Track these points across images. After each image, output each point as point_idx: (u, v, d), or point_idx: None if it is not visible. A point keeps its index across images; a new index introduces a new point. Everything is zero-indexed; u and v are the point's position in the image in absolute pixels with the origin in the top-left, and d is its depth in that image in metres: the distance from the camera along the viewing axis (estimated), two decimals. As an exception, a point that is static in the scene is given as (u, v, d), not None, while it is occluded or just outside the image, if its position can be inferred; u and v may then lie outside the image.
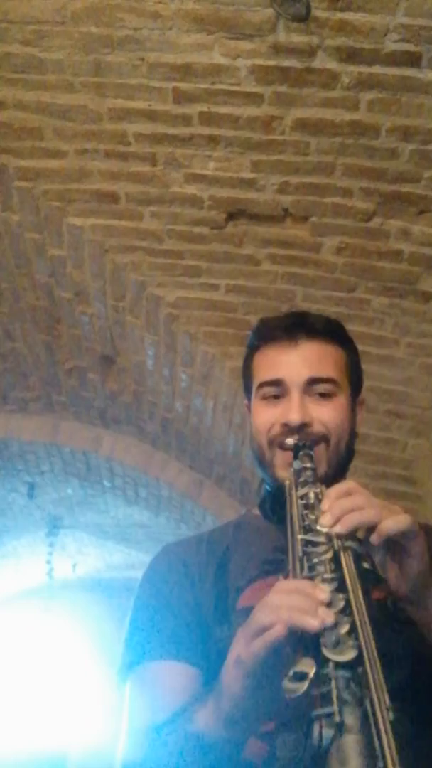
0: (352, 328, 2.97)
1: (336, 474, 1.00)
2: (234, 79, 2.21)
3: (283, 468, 0.98)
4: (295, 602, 0.68)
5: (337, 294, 2.68)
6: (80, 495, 4.92)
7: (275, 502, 1.01)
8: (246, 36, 2.12)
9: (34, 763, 6.53)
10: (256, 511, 1.11)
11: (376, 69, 2.12)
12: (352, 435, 1.04)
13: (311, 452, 0.95)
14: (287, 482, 0.91)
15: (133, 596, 1.03)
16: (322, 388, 1.01)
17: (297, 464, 0.92)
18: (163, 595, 0.99)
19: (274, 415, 1.00)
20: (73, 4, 2.13)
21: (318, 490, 0.86)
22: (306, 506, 0.84)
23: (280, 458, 0.99)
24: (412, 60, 2.08)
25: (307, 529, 0.80)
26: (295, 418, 0.97)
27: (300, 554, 0.76)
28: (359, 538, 0.77)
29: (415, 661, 0.84)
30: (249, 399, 1.09)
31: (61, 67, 2.27)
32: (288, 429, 0.98)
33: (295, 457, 0.94)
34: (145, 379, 3.29)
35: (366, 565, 0.77)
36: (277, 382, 1.02)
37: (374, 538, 0.75)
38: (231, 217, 2.58)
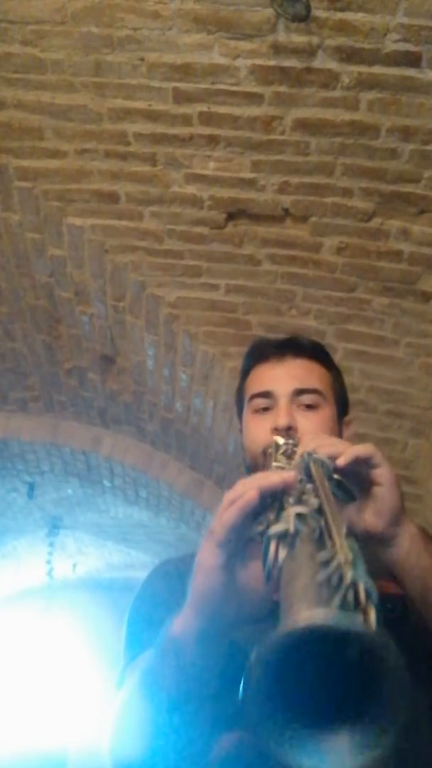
0: (352, 328, 3.00)
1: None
2: (234, 79, 2.21)
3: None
4: (263, 475, 0.74)
5: (337, 294, 2.68)
6: (80, 495, 4.92)
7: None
8: (246, 36, 2.12)
9: (34, 763, 6.53)
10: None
11: (376, 69, 2.12)
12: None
13: (295, 441, 0.99)
14: (269, 450, 0.96)
15: (129, 607, 1.03)
16: (308, 399, 1.06)
17: (280, 440, 0.98)
18: (159, 602, 0.99)
19: (265, 426, 1.05)
20: (73, 4, 2.13)
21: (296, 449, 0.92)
22: (285, 456, 0.90)
23: (271, 457, 1.01)
24: (412, 60, 2.08)
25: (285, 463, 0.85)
26: (282, 422, 1.02)
27: (274, 464, 0.83)
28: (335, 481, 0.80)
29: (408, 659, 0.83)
30: (240, 421, 1.15)
31: (61, 67, 2.27)
32: (275, 432, 1.02)
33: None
34: (145, 379, 3.30)
35: (336, 477, 0.80)
36: (266, 394, 1.08)
37: (340, 461, 0.80)
38: (231, 217, 2.58)
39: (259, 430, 1.06)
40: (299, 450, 0.85)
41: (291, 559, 0.60)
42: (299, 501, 0.67)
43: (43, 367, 3.57)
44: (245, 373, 1.17)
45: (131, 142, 2.42)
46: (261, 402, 1.09)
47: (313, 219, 2.52)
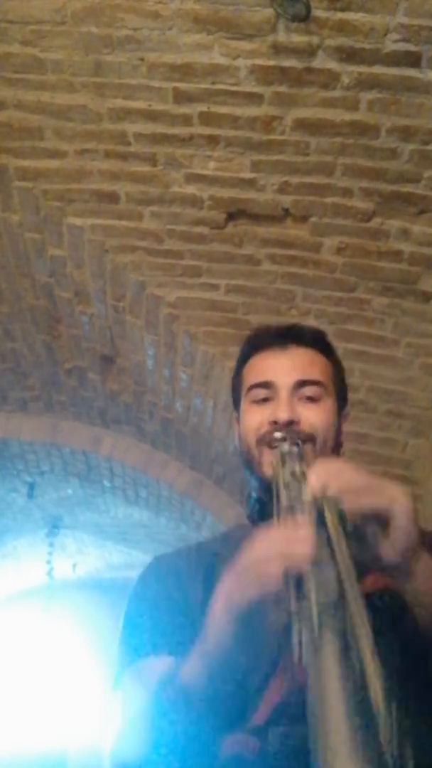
0: (352, 328, 3.00)
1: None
2: (234, 79, 2.21)
3: (270, 466, 0.97)
4: (283, 541, 0.69)
5: (337, 294, 2.68)
6: (80, 495, 4.92)
7: (263, 506, 1.02)
8: (246, 36, 2.12)
9: (34, 763, 6.53)
10: (246, 522, 1.12)
11: (376, 69, 2.12)
12: (338, 441, 1.06)
13: (298, 441, 0.96)
14: (273, 461, 0.92)
15: (125, 606, 1.03)
16: (310, 391, 1.03)
17: (284, 447, 0.94)
18: (155, 602, 0.99)
19: (263, 416, 1.02)
20: (73, 4, 2.13)
21: (304, 467, 0.87)
22: (293, 476, 0.85)
23: (268, 457, 0.99)
24: (412, 60, 2.08)
25: (293, 496, 0.80)
26: (283, 415, 0.99)
27: (284, 505, 0.78)
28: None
29: (405, 656, 0.83)
30: (238, 411, 1.10)
31: (61, 67, 2.27)
32: (276, 426, 0.99)
33: (283, 441, 0.96)
34: (145, 379, 3.30)
35: (350, 527, 0.76)
36: (266, 384, 1.04)
37: (350, 505, 0.74)
38: (231, 217, 2.58)
39: (256, 418, 1.03)
40: (310, 478, 0.78)
41: (318, 670, 0.58)
42: (320, 587, 0.64)
43: (43, 367, 3.57)
44: (243, 361, 1.12)
45: (131, 142, 2.42)
46: (260, 392, 1.04)
47: (313, 219, 2.52)
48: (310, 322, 2.74)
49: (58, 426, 4.02)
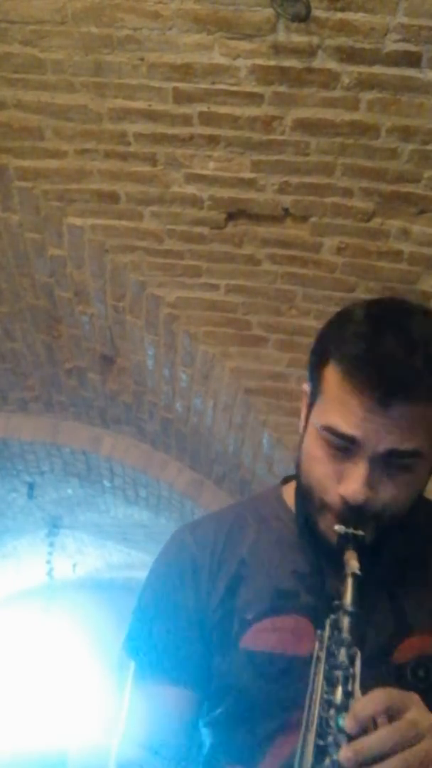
0: (352, 328, 2.96)
1: (388, 537, 0.87)
2: (234, 79, 2.21)
3: (327, 527, 0.87)
4: None
5: (337, 294, 2.68)
6: (80, 495, 4.92)
7: (308, 534, 0.92)
8: (246, 36, 2.12)
9: (34, 763, 6.53)
10: (290, 496, 0.98)
11: (376, 69, 2.12)
12: (421, 494, 0.90)
13: (358, 572, 0.81)
14: (315, 649, 0.80)
15: (142, 586, 1.00)
16: (401, 462, 0.83)
17: (336, 602, 0.80)
18: (168, 607, 0.95)
19: (334, 474, 0.84)
20: (73, 4, 2.13)
21: (350, 669, 0.76)
22: (329, 703, 0.75)
23: (328, 520, 0.87)
24: (412, 60, 2.08)
25: (322, 752, 0.73)
26: (356, 498, 0.82)
27: (315, 724, 0.72)
28: None
29: None
30: (310, 397, 0.90)
31: (61, 67, 2.27)
32: (344, 504, 0.83)
33: (339, 549, 0.83)
34: (145, 379, 3.30)
35: None
36: (349, 439, 0.82)
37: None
38: (231, 217, 2.58)
39: (326, 477, 0.85)
40: (348, 717, 0.71)
41: None
42: None
43: (43, 367, 3.57)
44: (325, 358, 0.87)
45: (131, 142, 2.42)
46: (339, 443, 0.83)
47: (313, 219, 2.52)
48: (310, 322, 2.74)
49: (58, 426, 4.02)
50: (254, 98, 2.24)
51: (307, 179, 2.41)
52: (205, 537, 0.98)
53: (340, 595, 0.79)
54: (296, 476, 0.93)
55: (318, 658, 0.79)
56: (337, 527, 0.83)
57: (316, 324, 2.76)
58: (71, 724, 7.30)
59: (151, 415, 3.57)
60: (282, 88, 2.21)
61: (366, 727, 0.70)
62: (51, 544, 5.96)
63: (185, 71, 2.22)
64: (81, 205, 2.62)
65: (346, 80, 2.16)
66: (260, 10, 2.05)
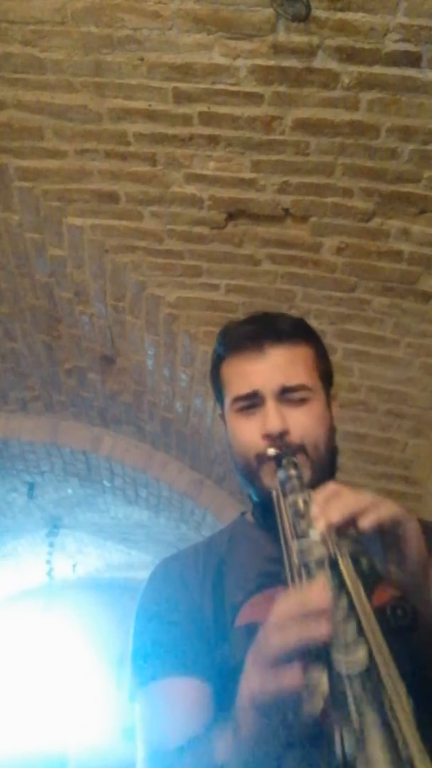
0: (352, 328, 3.00)
1: (322, 477, 0.99)
2: (234, 79, 2.21)
3: (270, 477, 0.97)
4: (300, 611, 0.66)
5: (337, 294, 2.68)
6: (80, 495, 4.92)
7: (265, 511, 1.01)
8: (246, 36, 2.12)
9: (34, 763, 6.53)
10: (250, 517, 1.11)
11: (376, 69, 2.12)
12: (331, 434, 1.05)
13: (294, 458, 0.95)
14: (274, 492, 0.90)
15: (134, 612, 1.02)
16: (295, 396, 1.01)
17: (282, 474, 0.92)
18: (164, 611, 0.98)
19: (254, 428, 1.00)
20: (73, 4, 2.13)
21: (306, 496, 0.85)
22: (296, 514, 0.83)
23: (266, 469, 0.99)
24: (412, 60, 2.08)
25: (301, 537, 0.79)
26: (274, 427, 0.98)
27: (297, 563, 0.75)
28: (355, 537, 0.77)
29: (418, 671, 0.82)
30: (221, 408, 1.10)
31: (61, 67, 2.27)
32: (269, 439, 0.98)
33: (279, 465, 0.95)
34: (145, 379, 3.30)
35: (364, 562, 0.77)
36: (251, 395, 1.02)
37: (365, 524, 0.75)
38: (231, 217, 2.58)
39: (247, 433, 1.01)
40: (313, 510, 0.77)
41: (363, 754, 0.57)
42: (346, 649, 0.63)
43: (43, 367, 3.57)
44: (220, 359, 1.09)
45: (131, 142, 2.42)
46: (246, 403, 1.03)
47: (313, 219, 2.52)
48: (310, 322, 2.73)
49: (58, 426, 4.02)
50: (254, 98, 2.24)
51: (307, 179, 2.41)
52: (186, 556, 1.07)
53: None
54: (234, 468, 1.06)
55: (278, 503, 0.87)
56: (270, 450, 0.97)
57: (316, 324, 2.76)
58: (71, 724, 7.30)
59: (151, 415, 3.57)
60: (282, 88, 2.21)
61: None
62: (51, 544, 5.96)
63: (185, 71, 2.22)
64: (81, 205, 2.62)
65: (346, 80, 2.16)
66: (260, 10, 2.05)
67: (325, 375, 1.09)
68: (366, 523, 0.75)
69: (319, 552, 0.74)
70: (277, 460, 0.96)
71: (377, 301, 2.66)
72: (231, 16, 2.08)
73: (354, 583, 0.70)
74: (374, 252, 2.55)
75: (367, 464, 2.91)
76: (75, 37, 2.19)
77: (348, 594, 0.69)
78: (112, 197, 2.59)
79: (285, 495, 0.87)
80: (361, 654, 0.63)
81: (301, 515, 0.82)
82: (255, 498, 1.06)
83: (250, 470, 1.02)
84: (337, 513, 0.75)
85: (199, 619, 0.95)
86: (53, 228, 2.71)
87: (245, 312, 2.79)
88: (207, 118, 2.32)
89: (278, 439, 0.98)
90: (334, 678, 0.62)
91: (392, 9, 1.99)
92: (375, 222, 2.49)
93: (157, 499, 4.41)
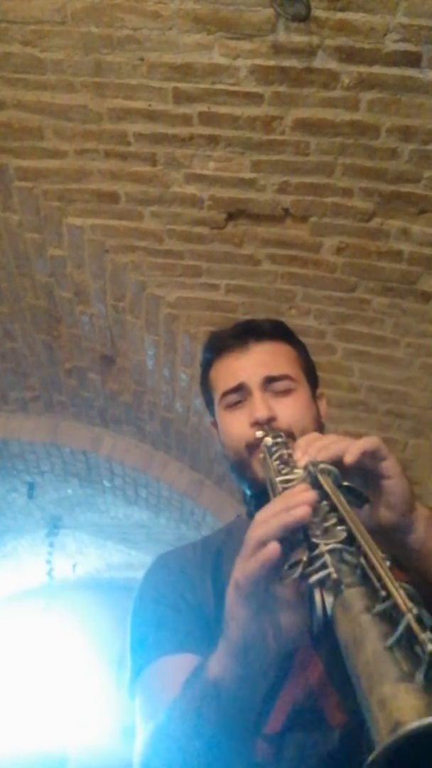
0: (352, 328, 3.00)
1: None
2: (234, 79, 2.21)
3: (260, 465, 0.98)
4: (279, 505, 0.69)
5: (337, 294, 2.68)
6: (80, 495, 4.92)
7: (259, 502, 1.02)
8: (246, 36, 2.12)
9: (34, 763, 6.53)
10: (245, 518, 1.12)
11: (376, 69, 2.12)
12: (319, 425, 1.07)
13: (281, 434, 0.97)
14: (261, 455, 0.94)
15: (132, 606, 1.01)
16: (280, 385, 1.05)
17: (268, 441, 0.95)
18: (163, 597, 0.98)
19: (243, 419, 1.03)
20: (73, 4, 2.13)
21: (291, 450, 0.88)
22: (281, 462, 0.86)
23: (257, 457, 1.00)
24: (412, 60, 2.08)
25: (285, 472, 0.82)
26: (261, 414, 1.01)
27: (280, 490, 0.77)
28: (339, 474, 0.78)
29: None
30: (213, 415, 1.13)
31: (61, 67, 2.27)
32: (257, 425, 1.01)
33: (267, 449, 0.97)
34: (145, 379, 3.30)
35: (346, 483, 0.78)
36: (237, 388, 1.06)
37: (348, 458, 0.76)
38: (231, 217, 2.58)
39: (236, 425, 1.04)
40: (296, 455, 0.82)
41: (344, 612, 0.57)
42: (326, 532, 0.65)
43: (43, 367, 3.57)
44: (206, 366, 1.14)
45: (131, 142, 2.42)
46: (233, 397, 1.06)
47: (313, 219, 2.52)
48: (310, 322, 2.74)
49: (58, 426, 4.02)
50: (254, 98, 2.24)
51: (307, 179, 2.41)
52: (184, 550, 1.09)
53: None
54: (227, 465, 1.09)
55: (264, 458, 0.92)
56: (258, 432, 0.99)
57: (316, 324, 2.76)
58: (71, 724, 7.30)
59: (151, 415, 3.57)
60: (282, 88, 2.21)
61: None
62: (51, 544, 5.96)
63: (185, 71, 2.22)
64: (81, 205, 2.62)
65: (346, 80, 2.16)
66: (260, 10, 2.05)
67: (309, 372, 1.12)
68: (349, 458, 0.77)
69: (300, 478, 0.77)
70: (263, 438, 0.98)
71: (377, 301, 2.66)
72: (231, 16, 2.08)
73: (334, 492, 0.71)
74: (374, 252, 2.55)
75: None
76: (75, 37, 2.19)
77: (328, 498, 0.70)
78: (112, 197, 2.59)
79: (271, 454, 0.91)
80: (341, 535, 0.64)
81: (285, 463, 0.85)
82: (248, 491, 1.08)
83: (242, 461, 1.04)
84: (320, 452, 0.78)
85: (200, 603, 0.95)
86: (53, 228, 2.71)
87: (245, 312, 2.80)
88: (207, 118, 2.32)
89: (266, 425, 1.00)
90: (313, 551, 0.63)
91: (392, 9, 1.99)
92: (375, 222, 2.49)
93: (157, 499, 4.41)
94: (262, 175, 2.43)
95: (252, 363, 1.06)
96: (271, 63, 2.15)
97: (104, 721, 7.06)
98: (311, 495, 0.68)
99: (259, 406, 1.02)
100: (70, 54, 2.23)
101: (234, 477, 1.10)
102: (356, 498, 0.79)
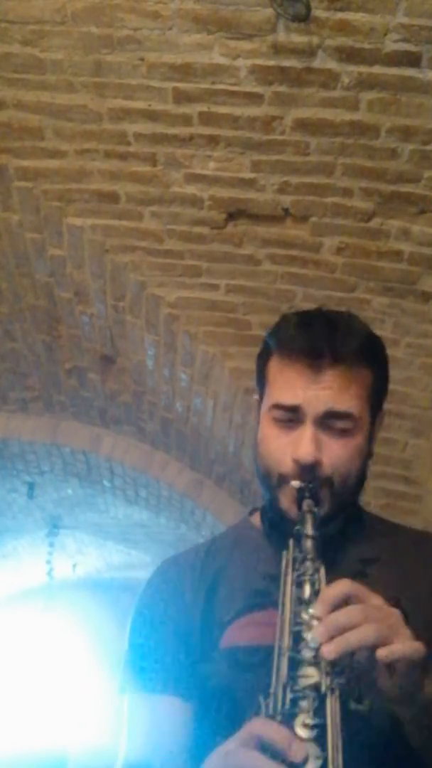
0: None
1: (342, 506, 0.97)
2: (234, 79, 2.21)
3: (287, 500, 0.95)
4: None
5: (337, 294, 2.68)
6: (80, 495, 4.92)
7: (272, 524, 1.02)
8: (246, 36, 2.12)
9: (34, 763, 6.53)
10: (257, 520, 1.09)
11: (376, 69, 2.12)
12: (364, 466, 1.00)
13: (315, 509, 0.91)
14: (283, 561, 0.87)
15: (132, 611, 1.04)
16: (339, 424, 0.95)
17: (298, 529, 0.89)
18: (156, 619, 1.00)
19: (286, 445, 0.95)
20: (73, 4, 2.13)
21: (315, 573, 0.83)
22: (299, 600, 0.81)
23: (286, 491, 0.96)
24: (412, 60, 2.08)
25: (296, 637, 0.77)
26: (306, 456, 0.92)
27: (285, 679, 0.74)
28: (350, 664, 0.74)
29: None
30: (260, 396, 1.04)
31: (61, 67, 2.27)
32: (297, 465, 0.93)
33: (299, 505, 0.92)
34: (145, 379, 3.29)
35: (353, 705, 0.75)
36: (292, 408, 0.95)
37: (382, 656, 0.71)
38: (231, 217, 2.58)
39: (277, 447, 0.96)
40: (314, 634, 0.74)
41: None
42: None
43: (43, 367, 3.57)
44: (271, 353, 1.01)
45: (131, 142, 2.42)
46: (285, 414, 0.96)
47: (313, 219, 2.52)
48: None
49: (58, 426, 4.02)
50: (254, 98, 2.24)
51: (307, 179, 2.41)
52: (186, 560, 1.06)
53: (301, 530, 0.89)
54: (255, 467, 1.02)
55: (285, 573, 0.85)
56: (294, 482, 0.93)
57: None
58: (71, 724, 7.30)
59: (151, 415, 3.57)
60: (282, 88, 2.21)
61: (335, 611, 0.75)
62: (51, 544, 5.96)
63: (185, 71, 2.22)
64: (81, 205, 2.62)
65: (346, 80, 2.16)
66: (260, 10, 2.05)
67: (378, 400, 1.02)
68: (383, 656, 0.71)
69: (309, 670, 0.73)
70: (299, 494, 0.93)
71: (377, 301, 2.66)
72: (231, 16, 2.08)
73: (335, 736, 0.69)
74: (374, 252, 2.55)
75: (367, 464, 2.91)
76: (75, 37, 2.19)
77: (325, 749, 0.68)
78: (112, 197, 2.59)
79: (293, 565, 0.85)
80: None
81: (303, 602, 0.80)
82: (267, 504, 1.03)
83: (270, 484, 0.99)
84: (339, 645, 0.72)
85: (187, 632, 0.96)
86: (53, 228, 2.71)
87: (245, 312, 2.79)
88: (207, 118, 2.32)
89: (308, 469, 0.93)
90: None
91: (392, 9, 1.99)
92: (375, 222, 2.49)
93: (157, 499, 4.41)
94: (262, 175, 2.43)
95: (317, 389, 0.94)
96: (271, 63, 2.15)
97: (104, 721, 7.06)
98: None
99: (308, 445, 0.92)
100: (70, 54, 2.23)
101: (259, 483, 1.04)
102: (360, 705, 0.77)
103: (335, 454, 0.94)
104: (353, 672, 0.74)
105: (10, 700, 7.32)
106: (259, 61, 2.16)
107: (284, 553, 0.88)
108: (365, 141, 2.28)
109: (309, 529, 0.88)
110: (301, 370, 0.95)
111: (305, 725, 0.69)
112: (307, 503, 0.91)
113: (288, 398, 0.95)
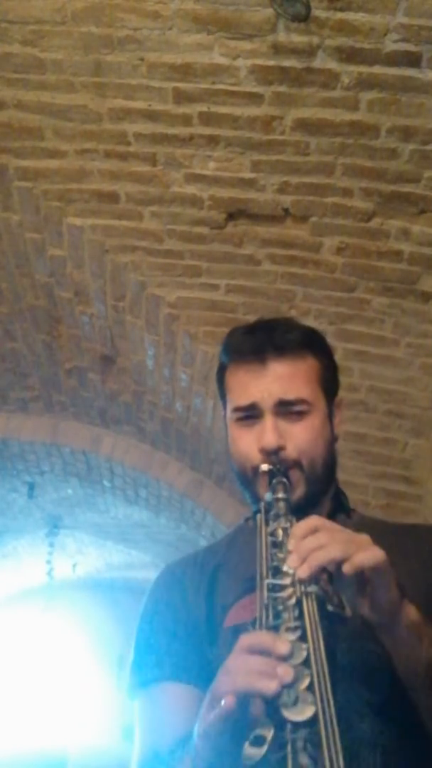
0: (352, 328, 3.00)
1: (318, 489, 1.03)
2: (234, 79, 2.21)
3: (264, 488, 0.99)
4: (254, 665, 0.69)
5: (337, 294, 2.68)
6: (80, 495, 4.92)
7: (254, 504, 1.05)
8: (246, 36, 2.11)
9: (34, 763, 6.53)
10: (252, 524, 1.13)
11: (376, 69, 2.12)
12: (330, 447, 1.06)
13: (284, 480, 0.96)
14: (258, 517, 0.93)
15: (139, 614, 1.07)
16: (294, 409, 1.01)
17: (269, 496, 0.94)
18: (163, 617, 1.03)
19: (252, 441, 1.02)
20: (73, 4, 2.13)
21: (288, 524, 0.88)
22: (274, 544, 0.86)
23: (262, 481, 1.01)
24: (412, 60, 2.08)
25: (275, 571, 0.81)
26: (269, 443, 0.99)
27: (266, 601, 0.78)
28: (329, 573, 0.79)
29: (395, 671, 0.85)
30: (225, 409, 1.11)
31: (61, 67, 2.27)
32: (264, 453, 1.00)
33: (270, 483, 0.96)
34: (145, 379, 3.30)
35: (330, 607, 0.79)
36: (249, 407, 1.03)
37: (347, 569, 0.77)
38: (231, 217, 2.58)
39: (244, 444, 1.03)
40: (290, 545, 0.80)
41: None
42: (295, 702, 0.66)
43: (43, 367, 3.57)
44: (225, 365, 1.10)
45: (131, 142, 2.43)
46: (245, 414, 1.04)
47: (313, 219, 2.52)
48: (310, 322, 2.74)
49: (58, 426, 4.02)
50: (254, 98, 2.24)
51: (307, 179, 2.41)
52: (187, 559, 1.12)
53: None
54: (233, 473, 1.08)
55: (260, 529, 0.90)
56: (263, 465, 0.98)
57: (316, 324, 2.75)
58: (71, 724, 7.31)
59: (151, 415, 3.57)
60: (282, 88, 2.21)
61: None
62: (51, 544, 5.96)
63: (185, 71, 2.22)
64: (81, 205, 2.62)
65: (346, 80, 2.16)
66: (260, 10, 2.05)
67: (329, 386, 1.09)
68: (346, 569, 0.77)
69: (288, 590, 0.77)
70: (270, 478, 0.97)
71: (377, 301, 2.66)
72: (231, 16, 2.08)
73: (314, 631, 0.73)
74: (374, 252, 2.55)
75: (367, 464, 2.91)
76: (75, 37, 2.19)
77: (307, 642, 0.72)
78: (112, 197, 2.59)
79: (267, 522, 0.90)
80: (307, 714, 0.65)
81: (278, 546, 0.85)
82: (250, 500, 1.08)
83: (246, 480, 1.04)
84: (316, 554, 0.77)
85: (193, 622, 1.00)
86: (53, 228, 2.71)
87: (245, 312, 2.79)
88: (207, 118, 2.32)
89: (273, 454, 0.98)
90: (278, 732, 0.65)
91: (392, 9, 1.99)
92: (375, 222, 2.49)
93: (157, 499, 4.41)
94: (262, 175, 2.43)
95: (267, 382, 1.02)
96: (271, 63, 2.15)
97: (104, 721, 7.06)
98: (287, 675, 0.68)
99: (269, 433, 0.99)
100: (70, 54, 2.23)
101: (237, 483, 1.10)
102: (340, 608, 0.81)
103: (297, 436, 1.00)
104: (332, 586, 0.79)
105: (10, 700, 7.32)
106: (259, 61, 2.16)
107: (258, 516, 0.93)
108: (365, 141, 2.28)
109: (280, 494, 0.93)
110: (248, 369, 1.04)
111: (288, 629, 0.74)
112: (277, 478, 0.96)
113: (243, 399, 1.03)
